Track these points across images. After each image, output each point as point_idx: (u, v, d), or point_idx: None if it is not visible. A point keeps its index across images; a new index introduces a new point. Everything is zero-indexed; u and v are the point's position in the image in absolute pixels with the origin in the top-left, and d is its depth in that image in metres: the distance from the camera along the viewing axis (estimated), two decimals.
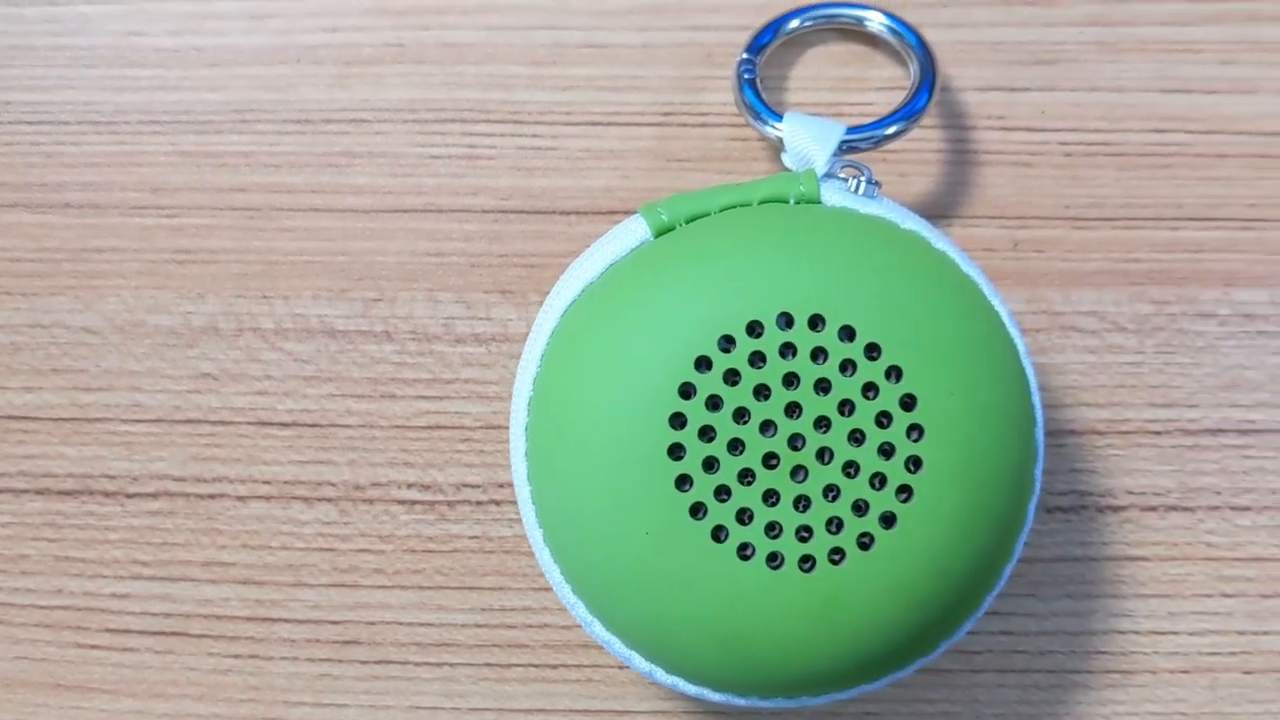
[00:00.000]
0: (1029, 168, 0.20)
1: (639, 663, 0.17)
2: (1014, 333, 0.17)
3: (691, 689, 0.17)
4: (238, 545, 0.20)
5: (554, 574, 0.17)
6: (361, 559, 0.20)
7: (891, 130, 0.19)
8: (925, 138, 0.20)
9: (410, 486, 0.20)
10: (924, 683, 0.20)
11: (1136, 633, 0.20)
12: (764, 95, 0.19)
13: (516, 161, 0.20)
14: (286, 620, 0.20)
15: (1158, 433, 0.20)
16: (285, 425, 0.20)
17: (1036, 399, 0.17)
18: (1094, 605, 0.20)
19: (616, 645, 0.17)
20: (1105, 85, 0.20)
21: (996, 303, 0.17)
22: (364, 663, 0.20)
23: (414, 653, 0.20)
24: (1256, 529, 0.20)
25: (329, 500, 0.20)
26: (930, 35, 0.20)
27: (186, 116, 0.21)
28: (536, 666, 0.20)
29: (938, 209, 0.20)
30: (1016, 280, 0.20)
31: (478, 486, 0.20)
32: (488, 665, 0.20)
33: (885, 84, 0.20)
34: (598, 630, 0.17)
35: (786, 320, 0.16)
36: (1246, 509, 0.20)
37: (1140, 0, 0.20)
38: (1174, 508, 0.20)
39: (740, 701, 0.17)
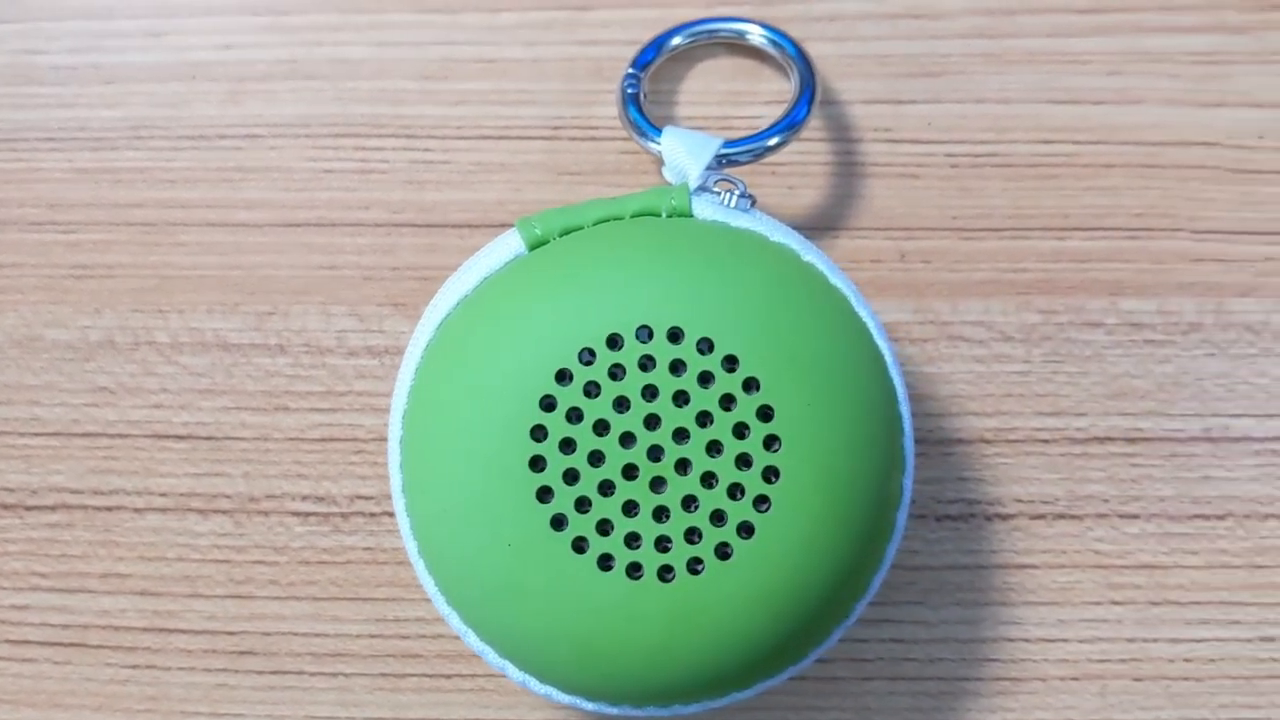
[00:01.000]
0: (916, 179, 0.20)
1: (513, 673, 0.17)
2: (882, 343, 0.17)
3: (565, 698, 0.17)
4: (135, 557, 0.20)
5: (429, 585, 0.17)
6: (257, 570, 0.20)
7: (773, 142, 0.19)
8: (813, 151, 0.20)
9: (304, 498, 0.20)
10: (815, 690, 0.20)
11: (1026, 640, 0.20)
12: (649, 110, 0.19)
13: (408, 175, 0.20)
14: (183, 631, 0.20)
15: (1045, 441, 0.20)
16: (181, 438, 0.20)
17: (905, 409, 0.17)
18: (984, 613, 0.20)
19: (490, 656, 0.17)
20: (991, 97, 0.20)
21: (865, 314, 0.17)
22: (260, 673, 0.20)
23: (309, 663, 0.20)
24: (1144, 536, 0.20)
25: (224, 512, 0.20)
26: (817, 49, 0.20)
27: (83, 133, 0.21)
28: (431, 676, 0.20)
29: (825, 221, 0.20)
30: (904, 291, 0.20)
31: (371, 498, 0.20)
32: (382, 675, 0.20)
33: (774, 97, 0.21)
34: (472, 641, 0.17)
35: (646, 333, 0.16)
36: (1134, 517, 0.20)
37: (1026, 12, 0.20)
38: (1062, 515, 0.20)
39: (613, 710, 0.17)
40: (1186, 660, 0.20)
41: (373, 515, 0.20)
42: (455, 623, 0.17)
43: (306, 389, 0.20)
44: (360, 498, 0.20)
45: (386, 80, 0.20)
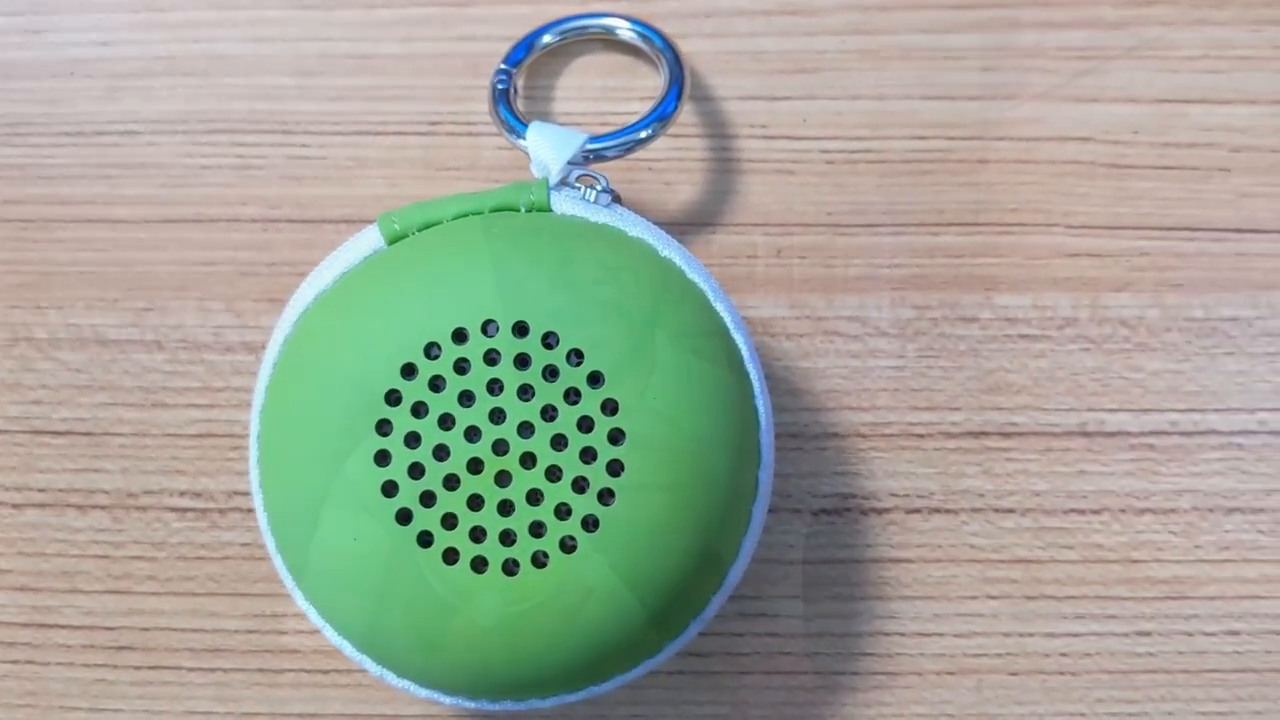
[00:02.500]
0: (791, 175, 0.21)
1: (371, 667, 0.17)
2: (739, 338, 0.17)
3: (423, 693, 0.17)
4: (13, 553, 0.20)
5: (287, 580, 0.17)
6: (135, 566, 0.20)
7: (643, 135, 0.19)
8: (689, 147, 0.21)
9: (182, 494, 0.20)
10: (692, 685, 0.20)
11: (902, 634, 0.20)
12: (527, 106, 0.20)
13: (285, 171, 0.21)
14: (62, 626, 0.20)
15: (921, 436, 0.20)
16: (59, 434, 0.20)
17: (763, 403, 0.17)
18: (860, 607, 0.20)
19: (348, 650, 0.17)
20: (867, 93, 0.21)
21: (723, 308, 0.17)
22: (138, 668, 0.20)
23: (187, 658, 0.20)
24: (1020, 531, 0.20)
25: (102, 508, 0.20)
26: (692, 45, 0.20)
27: None
28: (309, 672, 0.20)
29: (701, 217, 0.21)
30: (780, 286, 0.20)
31: (248, 494, 0.20)
32: (260, 671, 0.20)
33: (651, 93, 0.21)
34: (331, 635, 0.17)
35: (492, 327, 0.16)
36: (1010, 511, 0.20)
37: (901, 8, 0.20)
38: (937, 510, 0.20)
39: (470, 704, 0.17)
40: (1063, 655, 0.20)
41: (250, 511, 0.20)
42: (314, 618, 0.17)
43: (184, 385, 0.20)
44: (238, 494, 0.20)
45: (263, 76, 0.20)
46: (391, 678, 0.17)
